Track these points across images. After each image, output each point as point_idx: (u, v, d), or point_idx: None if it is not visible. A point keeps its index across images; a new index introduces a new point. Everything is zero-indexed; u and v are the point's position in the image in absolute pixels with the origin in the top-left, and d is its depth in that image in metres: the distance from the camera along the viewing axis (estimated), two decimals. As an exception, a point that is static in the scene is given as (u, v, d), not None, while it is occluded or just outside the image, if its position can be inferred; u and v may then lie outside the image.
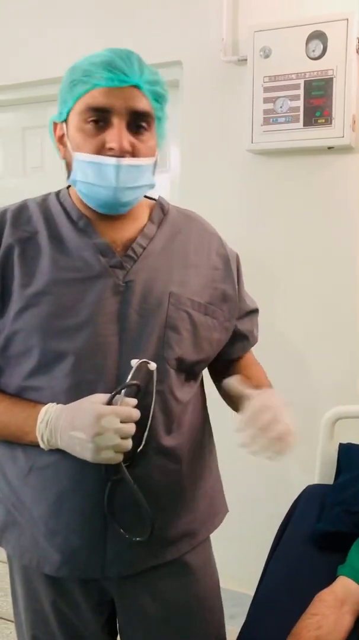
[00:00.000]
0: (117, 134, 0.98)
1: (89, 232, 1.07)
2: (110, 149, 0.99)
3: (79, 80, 1.00)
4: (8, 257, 1.05)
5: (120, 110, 0.99)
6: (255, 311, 1.30)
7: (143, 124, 1.01)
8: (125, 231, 1.09)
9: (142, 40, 2.03)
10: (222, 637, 1.28)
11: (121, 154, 0.99)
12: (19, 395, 1.06)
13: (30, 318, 1.02)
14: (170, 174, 2.35)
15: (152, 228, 1.12)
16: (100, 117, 0.99)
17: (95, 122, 1.00)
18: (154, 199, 1.19)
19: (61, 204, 1.11)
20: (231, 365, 1.29)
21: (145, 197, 1.17)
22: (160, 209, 1.16)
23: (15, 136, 2.66)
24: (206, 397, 1.27)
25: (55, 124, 1.09)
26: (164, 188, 2.31)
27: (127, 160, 0.99)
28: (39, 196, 1.15)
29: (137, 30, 2.15)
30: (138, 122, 1.01)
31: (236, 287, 1.21)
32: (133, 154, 1.00)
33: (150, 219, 1.13)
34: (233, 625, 1.53)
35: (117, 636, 1.26)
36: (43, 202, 1.12)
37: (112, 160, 0.99)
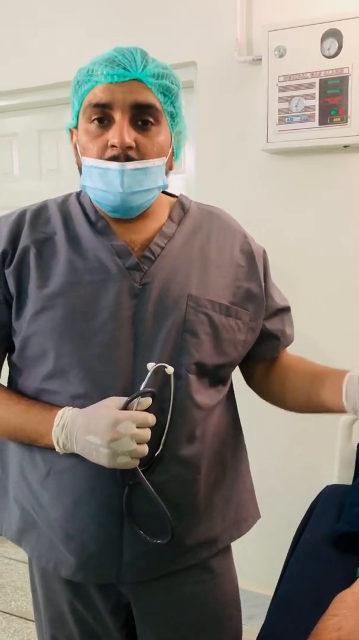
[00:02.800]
0: (119, 129, 0.96)
1: (106, 233, 1.06)
2: (113, 145, 0.97)
3: (82, 81, 1.00)
4: (24, 259, 1.04)
5: (122, 105, 0.96)
6: (285, 309, 1.24)
7: (150, 119, 0.99)
8: (144, 231, 1.07)
9: (156, 42, 2.03)
10: None
11: (123, 150, 0.96)
12: (36, 397, 1.06)
13: (45, 321, 1.02)
14: (185, 174, 2.36)
15: (172, 226, 1.10)
16: (102, 114, 0.98)
17: (99, 120, 0.98)
18: (175, 196, 1.16)
19: (80, 205, 1.10)
20: (266, 367, 1.26)
21: (166, 194, 1.15)
22: (180, 207, 1.14)
23: (31, 139, 2.68)
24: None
25: (71, 131, 1.08)
26: (180, 189, 2.31)
27: (132, 164, 0.97)
28: (60, 196, 1.14)
29: (151, 32, 2.15)
30: (143, 116, 0.98)
31: (263, 284, 1.16)
32: (138, 150, 0.98)
33: (170, 217, 1.11)
34: (251, 626, 1.53)
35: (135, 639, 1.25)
36: (63, 203, 1.12)
37: (116, 165, 0.97)
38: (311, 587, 1.27)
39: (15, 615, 2.35)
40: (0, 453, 1.19)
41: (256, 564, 2.08)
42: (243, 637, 1.28)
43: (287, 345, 1.26)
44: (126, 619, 1.18)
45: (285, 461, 2.12)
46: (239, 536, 1.20)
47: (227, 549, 1.21)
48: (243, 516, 1.21)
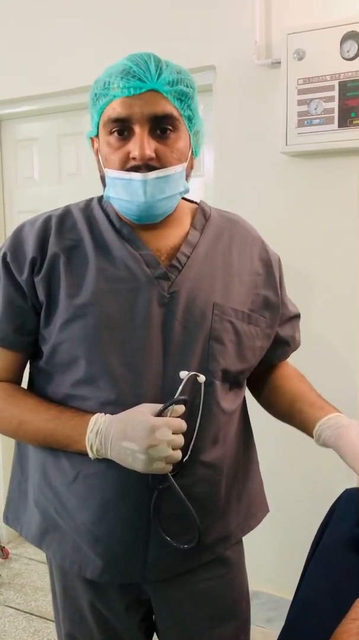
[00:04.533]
0: (139, 142, 0.98)
1: (133, 240, 1.07)
2: (134, 158, 0.98)
3: (100, 94, 1.01)
4: (54, 267, 1.05)
5: (140, 118, 0.98)
6: (296, 316, 1.27)
7: (168, 127, 1.00)
8: (169, 238, 1.09)
9: (175, 46, 2.04)
10: (248, 633, 1.29)
11: (144, 162, 0.98)
12: (65, 402, 1.07)
13: (76, 329, 1.03)
14: (204, 177, 2.36)
15: (195, 235, 1.11)
16: (122, 127, 0.99)
17: (119, 132, 1.00)
18: (196, 203, 1.18)
19: (104, 211, 1.12)
20: (269, 372, 1.28)
21: (186, 200, 1.17)
22: (202, 214, 1.15)
23: (50, 144, 2.71)
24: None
25: (92, 140, 1.10)
26: (198, 192, 2.31)
27: (154, 174, 0.99)
28: (82, 201, 1.16)
29: (170, 36, 2.16)
30: (161, 125, 1.00)
31: (279, 292, 1.18)
32: (159, 159, 1.00)
33: (193, 225, 1.13)
34: (270, 629, 1.53)
35: (153, 634, 1.28)
36: (86, 208, 1.13)
37: (138, 176, 0.98)
38: (330, 591, 1.26)
39: (35, 615, 2.37)
40: (20, 457, 1.21)
41: (275, 567, 2.08)
42: (262, 640, 1.28)
43: (294, 350, 1.29)
44: (145, 614, 1.21)
45: (302, 466, 2.11)
46: (249, 530, 1.24)
47: (240, 543, 1.26)
48: (253, 511, 1.25)
